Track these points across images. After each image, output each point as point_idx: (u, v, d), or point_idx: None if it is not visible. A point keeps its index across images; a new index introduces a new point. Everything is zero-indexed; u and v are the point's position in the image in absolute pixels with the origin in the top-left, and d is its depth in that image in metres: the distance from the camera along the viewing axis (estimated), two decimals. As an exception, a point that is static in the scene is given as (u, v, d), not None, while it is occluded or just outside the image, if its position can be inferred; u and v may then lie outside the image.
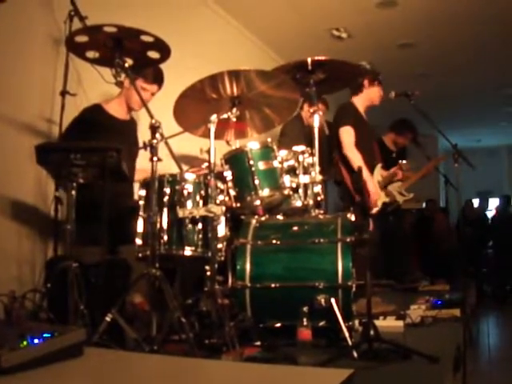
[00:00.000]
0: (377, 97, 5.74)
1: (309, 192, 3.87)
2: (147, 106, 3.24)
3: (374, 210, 5.38)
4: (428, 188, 9.73)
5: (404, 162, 6.13)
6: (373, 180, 5.46)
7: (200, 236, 3.33)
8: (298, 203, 3.87)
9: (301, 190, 3.86)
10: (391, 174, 5.83)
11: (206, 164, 3.44)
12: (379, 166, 5.70)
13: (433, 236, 9.20)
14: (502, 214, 11.62)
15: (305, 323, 2.93)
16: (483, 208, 12.16)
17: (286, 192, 3.74)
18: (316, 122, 4.14)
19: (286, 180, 3.74)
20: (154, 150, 3.06)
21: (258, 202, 3.74)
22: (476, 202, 12.21)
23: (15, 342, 2.13)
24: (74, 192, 3.10)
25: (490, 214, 12.68)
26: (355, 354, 2.82)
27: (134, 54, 3.29)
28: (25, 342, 2.14)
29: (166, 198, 3.29)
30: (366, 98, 5.69)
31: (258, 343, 3.09)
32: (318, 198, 3.92)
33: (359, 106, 5.69)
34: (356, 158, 5.33)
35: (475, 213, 11.55)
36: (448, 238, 8.87)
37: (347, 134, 5.44)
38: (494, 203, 14.58)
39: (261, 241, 3.43)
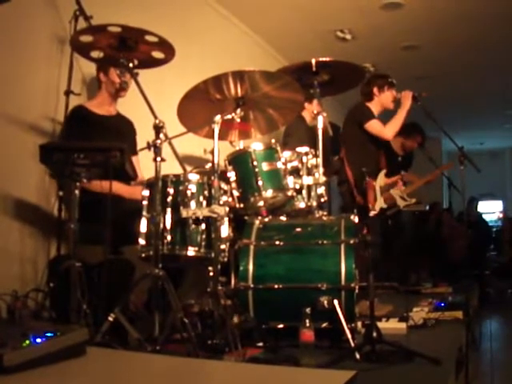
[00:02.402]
0: (389, 101, 5.70)
1: (312, 193, 3.88)
2: (151, 105, 3.23)
3: (372, 214, 5.36)
4: (431, 190, 9.71)
5: (404, 173, 6.18)
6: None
7: (203, 236, 3.31)
8: (302, 204, 3.88)
9: (304, 192, 3.86)
10: (393, 182, 5.85)
11: (210, 164, 3.44)
12: (383, 172, 5.69)
13: (443, 237, 9.14)
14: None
15: (307, 324, 2.92)
16: (472, 211, 11.98)
17: (289, 193, 3.74)
18: (320, 123, 4.13)
19: (290, 181, 3.75)
20: (157, 150, 3.06)
21: (261, 203, 3.74)
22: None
23: (18, 341, 2.13)
24: (77, 191, 3.09)
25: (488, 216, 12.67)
26: (358, 356, 2.82)
27: (139, 54, 3.30)
28: (27, 341, 2.13)
29: (169, 199, 3.28)
30: (378, 104, 5.66)
31: (261, 344, 3.10)
32: (322, 200, 3.92)
33: (374, 111, 5.68)
34: (395, 126, 5.48)
35: (474, 215, 11.50)
36: (460, 236, 8.84)
37: (377, 125, 5.46)
38: (496, 206, 14.61)
39: (264, 242, 3.43)
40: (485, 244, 10.99)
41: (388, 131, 5.46)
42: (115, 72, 3.95)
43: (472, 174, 4.75)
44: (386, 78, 5.71)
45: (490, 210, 14.25)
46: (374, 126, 5.45)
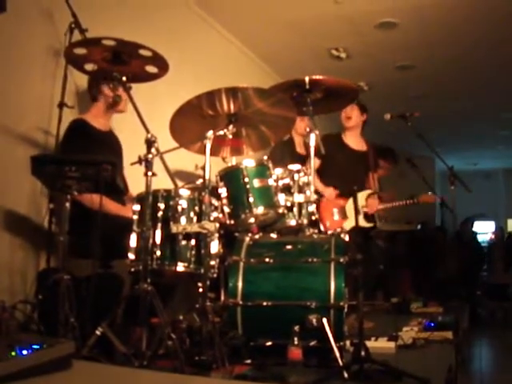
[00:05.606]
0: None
1: (303, 211, 3.87)
2: (143, 119, 3.23)
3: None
4: (424, 209, 9.70)
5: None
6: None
7: (193, 252, 3.31)
8: (293, 222, 3.87)
9: (295, 209, 3.85)
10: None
11: (201, 180, 3.44)
12: (365, 192, 5.56)
13: (434, 256, 9.15)
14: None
15: (296, 342, 2.92)
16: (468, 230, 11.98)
17: (280, 210, 3.73)
18: (312, 140, 4.12)
19: (281, 198, 3.73)
20: (149, 165, 3.06)
21: (252, 220, 3.73)
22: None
23: (3, 352, 2.12)
24: (67, 204, 3.09)
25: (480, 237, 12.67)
26: (346, 375, 2.81)
27: (132, 68, 3.30)
28: (13, 353, 2.13)
29: (159, 214, 3.28)
30: None
31: (248, 361, 3.08)
32: (313, 217, 3.92)
33: None
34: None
35: (469, 236, 11.50)
36: (452, 255, 8.86)
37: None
38: (488, 227, 14.64)
39: (254, 259, 3.42)
40: (478, 264, 11.01)
41: None
42: (108, 85, 3.94)
43: (465, 194, 4.76)
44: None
45: (483, 230, 14.25)
46: None
